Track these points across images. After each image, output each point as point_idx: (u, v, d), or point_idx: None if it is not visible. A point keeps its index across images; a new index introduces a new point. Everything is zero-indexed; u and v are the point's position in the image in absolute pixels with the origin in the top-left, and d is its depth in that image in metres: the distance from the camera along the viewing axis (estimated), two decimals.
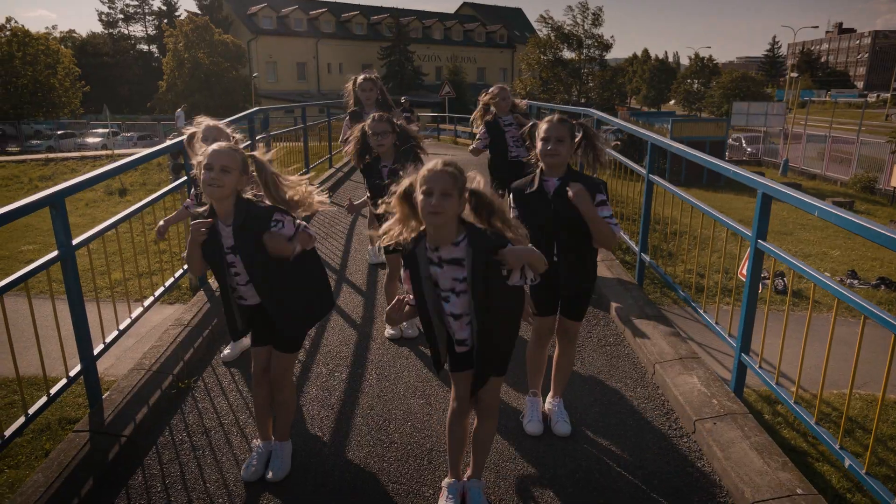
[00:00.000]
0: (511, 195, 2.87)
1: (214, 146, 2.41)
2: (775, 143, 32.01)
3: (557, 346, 3.15)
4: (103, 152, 23.56)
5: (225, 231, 2.48)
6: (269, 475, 2.75)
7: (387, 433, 3.12)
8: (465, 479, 2.60)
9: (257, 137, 6.95)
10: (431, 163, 2.12)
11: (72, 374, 3.08)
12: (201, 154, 2.40)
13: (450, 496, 2.52)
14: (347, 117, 5.34)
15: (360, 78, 5.26)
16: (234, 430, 3.15)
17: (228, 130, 3.42)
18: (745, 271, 3.48)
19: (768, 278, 9.22)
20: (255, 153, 2.49)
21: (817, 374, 2.87)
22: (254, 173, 2.48)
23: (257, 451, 2.83)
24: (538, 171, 2.86)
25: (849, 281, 13.76)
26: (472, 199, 2.14)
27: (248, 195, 2.49)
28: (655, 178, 4.59)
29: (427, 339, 2.36)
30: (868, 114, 52.43)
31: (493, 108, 5.09)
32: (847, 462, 2.42)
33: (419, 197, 2.08)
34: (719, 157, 25.63)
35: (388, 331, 4.14)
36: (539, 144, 2.79)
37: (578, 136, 2.84)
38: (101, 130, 34.49)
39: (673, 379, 3.44)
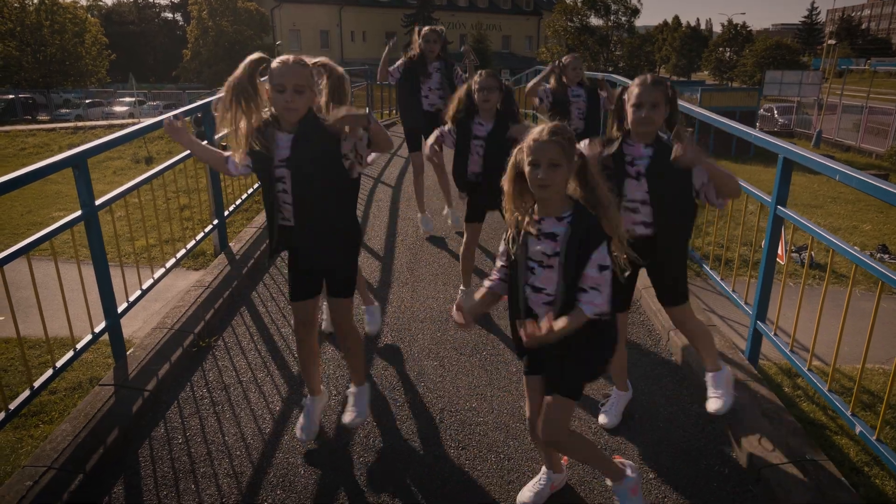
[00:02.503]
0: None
1: (281, 64, 2.26)
2: (809, 113, 31.04)
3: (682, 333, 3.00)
4: (130, 121, 23.88)
5: (283, 140, 2.36)
6: (347, 419, 2.70)
7: (400, 392, 3.18)
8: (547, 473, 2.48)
9: None
10: (537, 131, 1.99)
11: (97, 330, 3.19)
12: (269, 71, 2.27)
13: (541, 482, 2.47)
14: (402, 58, 5.28)
15: (426, 29, 5.21)
16: (252, 388, 3.24)
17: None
18: (782, 253, 3.42)
19: (806, 249, 9.04)
20: (324, 59, 2.36)
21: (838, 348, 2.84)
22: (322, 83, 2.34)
23: (307, 409, 2.81)
24: (621, 135, 2.58)
25: (879, 255, 13.44)
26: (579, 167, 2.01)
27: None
28: None
29: (511, 319, 2.21)
30: None
31: (564, 78, 5.00)
32: (858, 428, 2.41)
33: (526, 168, 1.99)
34: (750, 127, 24.96)
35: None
36: (630, 111, 2.49)
37: (671, 97, 2.50)
38: (127, 99, 34.84)
39: (687, 346, 3.43)
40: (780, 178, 2.93)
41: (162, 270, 3.94)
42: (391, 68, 5.23)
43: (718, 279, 3.80)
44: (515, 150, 2.05)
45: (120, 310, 3.36)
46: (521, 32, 58.07)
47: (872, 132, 26.27)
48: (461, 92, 3.79)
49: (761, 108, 30.13)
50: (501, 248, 2.19)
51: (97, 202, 3.14)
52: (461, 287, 4.14)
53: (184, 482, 2.59)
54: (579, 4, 43.46)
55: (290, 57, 2.30)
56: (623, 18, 44.09)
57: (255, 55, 2.33)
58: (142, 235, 4.61)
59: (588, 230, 1.98)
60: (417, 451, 2.76)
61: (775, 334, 3.11)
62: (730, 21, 57.65)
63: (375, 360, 3.49)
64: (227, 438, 2.85)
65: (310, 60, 2.36)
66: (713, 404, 2.75)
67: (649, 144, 2.54)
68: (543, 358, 2.18)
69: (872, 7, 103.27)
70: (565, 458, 2.52)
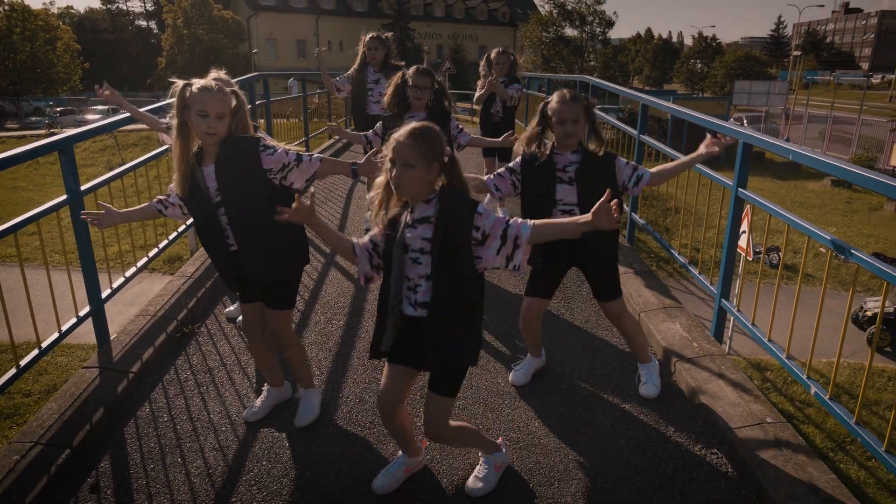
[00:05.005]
0: (520, 161, 2.87)
1: (205, 90, 2.33)
2: (776, 122, 31.94)
3: (615, 326, 3.14)
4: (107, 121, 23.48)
5: (209, 172, 2.43)
6: (296, 420, 2.81)
7: (382, 372, 3.27)
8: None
9: (257, 103, 7.04)
10: (400, 130, 2.04)
11: (81, 314, 3.23)
12: (190, 97, 2.33)
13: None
14: (350, 73, 5.37)
15: (368, 36, 5.30)
16: (236, 369, 3.31)
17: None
18: (742, 244, 3.60)
19: (761, 251, 9.38)
20: (236, 89, 2.46)
21: (799, 344, 3.01)
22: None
23: (264, 395, 2.93)
24: (549, 144, 2.82)
25: (843, 256, 13.86)
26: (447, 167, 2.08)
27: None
28: (646, 138, 4.70)
29: (378, 313, 2.24)
30: (873, 95, 52.16)
31: (493, 70, 5.31)
32: (813, 389, 2.57)
33: (387, 164, 2.05)
34: (714, 118, 25.58)
35: None
36: (555, 127, 2.75)
37: (589, 113, 2.76)
38: (100, 107, 34.38)
39: (657, 325, 3.59)
40: (740, 162, 3.10)
41: (145, 259, 3.98)
42: (336, 80, 5.32)
43: (686, 262, 3.97)
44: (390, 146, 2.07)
45: (104, 295, 3.40)
46: (498, 42, 58.21)
47: (837, 140, 27.17)
48: (397, 79, 3.93)
49: (731, 118, 30.91)
50: (373, 232, 2.19)
51: (83, 187, 3.19)
52: None
53: (170, 456, 2.65)
54: (555, 15, 44.24)
55: (213, 82, 2.39)
56: (598, 29, 44.98)
57: (179, 84, 2.38)
58: (116, 241, 4.56)
59: (457, 203, 2.05)
60: None
61: (739, 310, 3.28)
62: (700, 34, 59.10)
63: (357, 344, 3.57)
64: (212, 416, 2.92)
65: (227, 87, 2.45)
66: (647, 389, 3.05)
67: (576, 151, 2.80)
68: (409, 350, 2.20)
69: (836, 22, 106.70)
70: (424, 441, 2.57)
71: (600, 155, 2.80)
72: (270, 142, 2.48)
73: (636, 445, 2.72)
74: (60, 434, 2.65)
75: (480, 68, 5.49)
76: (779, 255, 12.61)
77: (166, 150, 4.26)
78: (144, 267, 4.00)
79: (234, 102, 2.42)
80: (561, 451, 2.68)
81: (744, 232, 3.77)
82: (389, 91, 3.96)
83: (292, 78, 10.68)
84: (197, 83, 2.37)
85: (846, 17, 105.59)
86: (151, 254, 4.10)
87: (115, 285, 3.60)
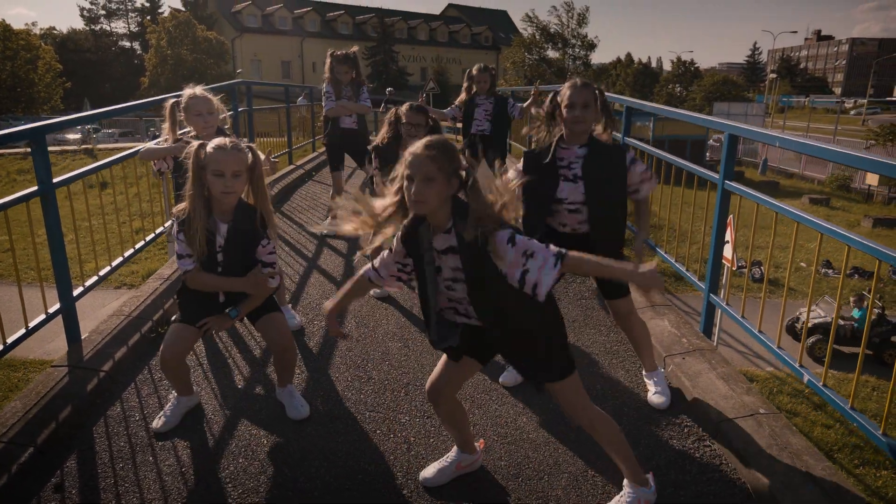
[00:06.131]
0: (522, 160, 2.79)
1: (220, 149, 2.35)
2: (755, 143, 32.58)
3: (622, 328, 2.98)
4: (84, 146, 23.27)
5: (221, 228, 2.48)
6: (294, 414, 2.74)
7: (365, 370, 3.18)
8: None
9: (239, 109, 6.97)
10: (415, 145, 1.90)
11: (51, 311, 3.10)
12: (205, 157, 2.36)
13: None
14: (326, 88, 5.34)
15: (338, 55, 5.28)
16: (213, 370, 3.18)
17: (215, 100, 3.41)
18: (728, 255, 3.60)
19: (745, 266, 9.46)
20: (252, 145, 2.47)
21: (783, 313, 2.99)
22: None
23: (172, 403, 2.74)
24: (555, 140, 2.70)
25: (823, 270, 14.09)
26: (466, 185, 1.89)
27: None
28: (631, 140, 4.70)
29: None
30: (847, 119, 53.57)
31: (473, 88, 5.33)
32: (806, 377, 2.53)
33: (404, 183, 1.88)
34: (700, 156, 26.00)
35: (374, 290, 4.16)
36: (564, 112, 2.64)
37: (600, 100, 2.69)
38: (79, 126, 34.07)
39: (645, 322, 3.53)
40: (726, 154, 3.09)
41: (120, 259, 3.86)
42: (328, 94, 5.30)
43: (673, 262, 3.95)
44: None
45: (75, 293, 3.27)
46: None
47: (813, 161, 27.74)
48: (391, 115, 3.88)
49: (710, 139, 31.46)
50: (396, 247, 2.06)
51: (55, 180, 3.08)
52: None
53: (141, 455, 2.52)
54: (537, 38, 45.03)
55: (226, 141, 2.39)
56: (580, 52, 45.85)
57: (194, 144, 2.37)
58: (93, 258, 4.32)
59: (474, 235, 1.86)
60: (383, 421, 2.75)
61: (727, 304, 3.24)
62: (679, 59, 60.38)
63: (339, 343, 3.47)
64: (186, 416, 2.79)
65: (241, 143, 2.46)
66: (657, 399, 2.87)
67: (584, 145, 2.68)
68: (477, 348, 2.16)
69: (809, 48, 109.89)
70: (482, 441, 2.50)
71: (609, 146, 2.70)
72: (271, 234, 2.56)
73: (627, 439, 2.61)
74: (24, 432, 2.50)
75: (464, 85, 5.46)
76: (761, 270, 12.79)
77: (140, 150, 4.16)
78: (120, 266, 3.87)
79: (250, 159, 2.43)
80: (550, 445, 2.60)
81: (727, 242, 3.76)
82: (384, 127, 3.90)
83: (302, 96, 10.84)
84: (210, 143, 2.37)
85: (818, 43, 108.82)
86: (127, 254, 3.98)
87: (87, 283, 3.47)
